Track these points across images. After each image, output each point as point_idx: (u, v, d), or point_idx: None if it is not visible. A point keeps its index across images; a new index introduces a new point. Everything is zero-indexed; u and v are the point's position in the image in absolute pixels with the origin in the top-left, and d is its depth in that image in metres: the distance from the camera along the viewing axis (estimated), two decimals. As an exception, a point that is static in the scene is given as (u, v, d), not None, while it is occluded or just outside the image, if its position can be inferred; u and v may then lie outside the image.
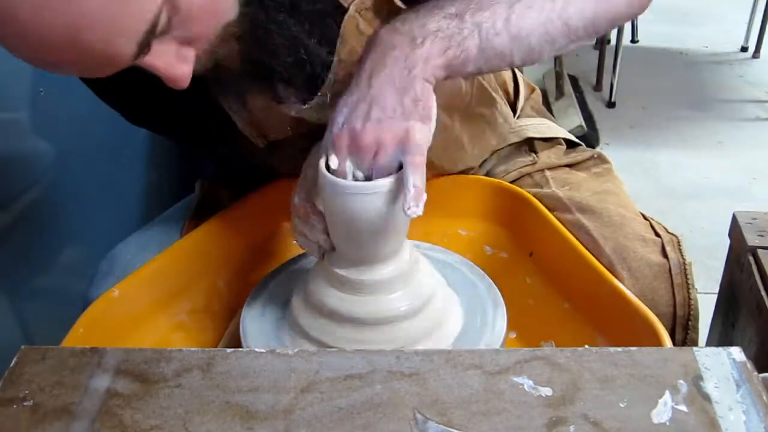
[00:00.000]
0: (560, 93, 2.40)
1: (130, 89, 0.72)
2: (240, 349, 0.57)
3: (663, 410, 0.50)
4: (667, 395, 0.50)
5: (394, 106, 0.60)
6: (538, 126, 0.98)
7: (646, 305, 0.69)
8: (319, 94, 0.72)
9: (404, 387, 0.52)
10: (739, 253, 0.87)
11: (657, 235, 0.80)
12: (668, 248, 0.78)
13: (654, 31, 3.01)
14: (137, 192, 1.30)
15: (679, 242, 0.79)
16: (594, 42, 2.85)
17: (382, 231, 0.65)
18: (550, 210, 0.84)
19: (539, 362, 0.54)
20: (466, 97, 0.86)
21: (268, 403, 0.51)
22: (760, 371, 0.52)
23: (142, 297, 0.78)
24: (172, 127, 0.86)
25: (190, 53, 0.60)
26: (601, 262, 0.76)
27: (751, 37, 2.87)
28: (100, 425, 0.50)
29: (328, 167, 0.63)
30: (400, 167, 0.63)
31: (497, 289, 0.76)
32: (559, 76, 2.41)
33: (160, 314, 0.80)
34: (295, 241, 0.74)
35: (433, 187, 0.89)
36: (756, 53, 2.87)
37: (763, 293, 0.78)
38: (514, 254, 0.88)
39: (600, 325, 0.75)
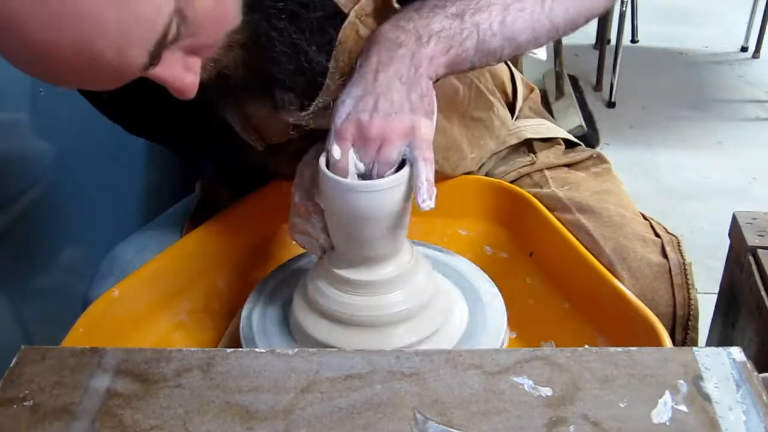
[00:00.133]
0: (560, 93, 2.40)
1: (128, 100, 0.72)
2: (240, 349, 0.57)
3: (663, 410, 0.50)
4: (667, 395, 0.51)
5: (402, 101, 0.62)
6: (537, 126, 0.98)
7: (646, 305, 0.69)
8: (317, 100, 0.72)
9: (404, 387, 0.52)
10: (739, 253, 0.87)
11: (657, 235, 0.80)
12: (668, 248, 0.78)
13: (654, 31, 3.01)
14: (137, 192, 1.30)
15: (679, 242, 0.79)
16: (594, 42, 2.86)
17: (383, 229, 0.65)
18: (549, 210, 0.85)
19: (539, 362, 0.54)
20: (463, 101, 0.87)
21: (268, 403, 0.51)
22: (760, 371, 0.52)
23: (142, 297, 0.78)
24: (171, 135, 0.86)
25: (196, 63, 0.60)
26: (601, 262, 0.76)
27: (751, 37, 2.87)
28: (100, 425, 0.50)
29: (328, 165, 0.63)
30: (400, 166, 0.63)
31: (497, 290, 0.76)
32: (559, 76, 2.41)
33: (160, 314, 0.80)
34: (294, 242, 0.74)
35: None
36: (756, 53, 2.87)
37: (763, 293, 0.78)
38: (514, 254, 0.88)
39: (600, 325, 0.75)
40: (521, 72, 1.16)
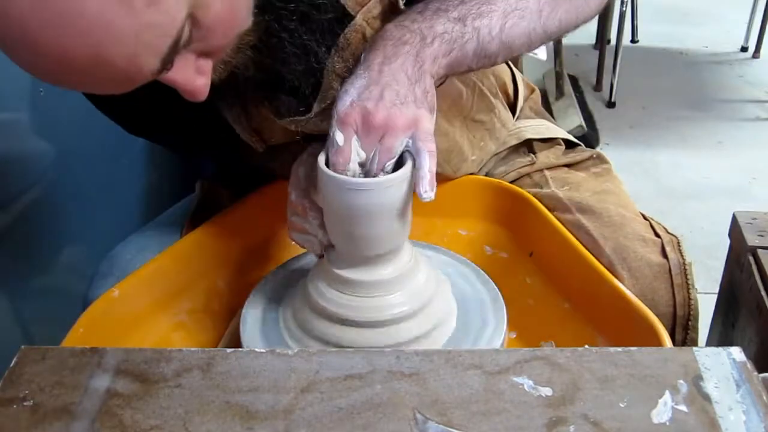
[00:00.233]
0: (560, 93, 2.40)
1: (130, 101, 0.72)
2: (240, 349, 0.57)
3: (663, 410, 0.50)
4: (667, 395, 0.51)
5: (406, 93, 0.63)
6: (537, 127, 0.98)
7: (646, 305, 0.69)
8: (318, 97, 0.72)
9: (404, 387, 0.52)
10: (739, 253, 0.87)
11: (657, 235, 0.80)
12: (668, 248, 0.78)
13: (654, 31, 3.01)
14: (137, 192, 1.30)
15: (679, 242, 0.79)
16: (594, 42, 2.86)
17: (382, 228, 0.65)
18: (549, 210, 0.84)
19: (539, 362, 0.54)
20: (467, 104, 0.87)
21: (268, 403, 0.51)
22: (760, 371, 0.52)
23: (142, 297, 0.78)
24: (171, 136, 0.86)
25: (208, 65, 0.60)
26: (601, 262, 0.76)
27: (751, 37, 2.87)
28: (100, 425, 0.50)
29: (327, 164, 0.63)
30: (398, 165, 0.63)
31: (497, 289, 0.76)
32: (559, 76, 2.41)
33: (160, 314, 0.80)
34: (292, 242, 0.74)
35: (433, 188, 0.90)
36: (756, 53, 2.87)
37: (763, 293, 0.78)
38: (514, 254, 0.88)
39: (600, 325, 0.75)
40: (521, 72, 1.16)
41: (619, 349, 0.55)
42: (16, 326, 1.02)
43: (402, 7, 0.70)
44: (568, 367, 0.53)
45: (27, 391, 0.52)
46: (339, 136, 0.62)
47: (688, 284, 0.76)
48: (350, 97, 0.63)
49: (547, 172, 0.92)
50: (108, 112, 0.81)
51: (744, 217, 0.88)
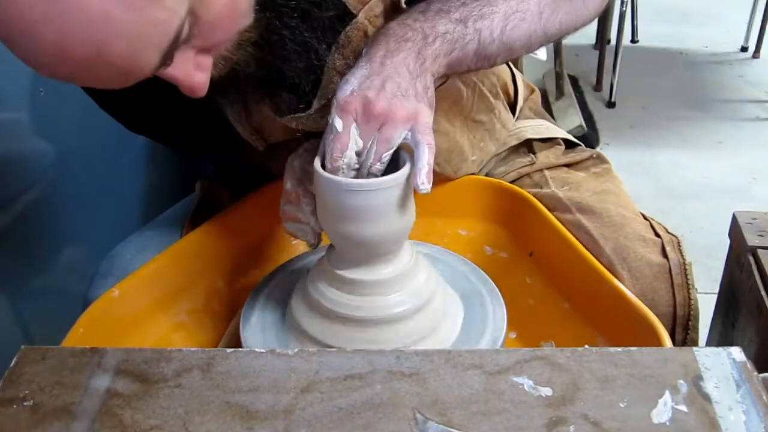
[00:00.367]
0: (560, 93, 2.40)
1: (130, 98, 0.72)
2: (240, 349, 0.57)
3: (663, 410, 0.50)
4: (667, 395, 0.50)
5: (408, 86, 0.63)
6: (537, 127, 0.98)
7: (646, 305, 0.69)
8: (318, 94, 0.72)
9: (404, 387, 0.52)
10: (739, 253, 0.87)
11: (657, 235, 0.80)
12: (668, 248, 0.78)
13: (654, 31, 3.01)
14: (137, 192, 1.30)
15: (679, 242, 0.79)
16: (594, 42, 2.86)
17: (379, 229, 0.65)
18: (549, 210, 0.84)
19: (539, 362, 0.54)
20: (467, 104, 0.87)
21: (268, 403, 0.51)
22: (760, 371, 0.52)
23: (142, 297, 0.78)
24: (172, 134, 0.86)
25: (208, 61, 0.60)
26: (601, 262, 0.76)
27: (751, 37, 2.87)
28: (100, 425, 0.50)
29: (323, 165, 0.64)
30: (395, 166, 0.63)
31: (497, 289, 0.76)
32: (559, 76, 2.41)
33: (160, 314, 0.80)
34: (287, 232, 0.74)
35: (434, 188, 0.90)
36: (756, 53, 2.87)
37: (763, 293, 0.78)
38: (514, 254, 0.88)
39: (600, 325, 0.75)
40: (521, 72, 1.16)
41: (619, 349, 0.55)
42: (16, 326, 1.02)
43: (403, 6, 0.70)
44: (568, 367, 0.53)
45: (27, 391, 0.52)
46: (338, 123, 0.62)
47: (688, 284, 0.76)
48: (351, 86, 0.63)
49: (547, 172, 0.92)
50: (109, 109, 0.81)
51: (744, 217, 0.88)
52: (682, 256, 0.78)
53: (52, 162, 1.06)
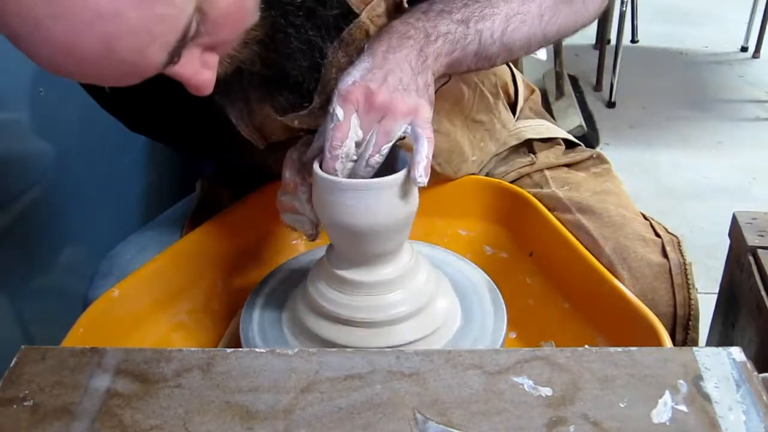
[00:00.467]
0: (560, 93, 2.40)
1: (133, 98, 0.72)
2: (240, 349, 0.57)
3: (663, 410, 0.50)
4: (667, 395, 0.50)
5: (409, 81, 0.64)
6: (537, 127, 0.98)
7: (647, 305, 0.69)
8: (318, 88, 0.72)
9: (404, 387, 0.52)
10: (739, 253, 0.87)
11: (657, 235, 0.80)
12: (668, 248, 0.78)
13: (654, 31, 3.01)
14: (137, 192, 1.30)
15: (679, 242, 0.80)
16: (594, 42, 2.86)
17: (379, 230, 0.65)
18: (549, 210, 0.84)
19: (539, 362, 0.54)
20: (468, 104, 0.87)
21: (268, 403, 0.51)
22: (760, 371, 0.52)
23: (142, 297, 0.78)
24: (172, 132, 0.86)
25: (213, 59, 0.60)
26: (601, 262, 0.76)
27: (751, 37, 2.87)
28: (100, 425, 0.50)
29: (321, 165, 0.64)
30: (392, 167, 0.63)
31: (497, 289, 0.76)
32: (559, 76, 2.41)
33: (160, 314, 0.80)
34: (285, 225, 0.74)
35: (434, 188, 0.91)
36: (756, 53, 2.87)
37: (763, 293, 0.78)
38: (514, 254, 0.88)
39: (600, 325, 0.75)
40: (521, 72, 1.16)
41: (619, 349, 0.55)
42: (16, 326, 1.02)
43: (406, 5, 0.71)
44: (568, 367, 0.53)
45: (27, 391, 0.52)
46: (339, 111, 0.63)
47: (688, 284, 0.76)
48: (353, 78, 0.64)
49: (547, 172, 0.93)
50: (110, 108, 0.81)
51: (744, 217, 0.88)
52: (682, 256, 0.78)
53: (52, 162, 1.06)
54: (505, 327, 0.71)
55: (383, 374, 0.53)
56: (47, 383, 0.53)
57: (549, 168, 0.93)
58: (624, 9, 2.48)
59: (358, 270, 0.68)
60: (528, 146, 0.97)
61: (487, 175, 0.96)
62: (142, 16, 0.50)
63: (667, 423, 0.49)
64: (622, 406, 0.50)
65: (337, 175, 0.63)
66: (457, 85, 0.85)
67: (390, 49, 0.65)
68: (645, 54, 2.88)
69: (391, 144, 0.63)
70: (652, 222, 0.83)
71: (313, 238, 0.73)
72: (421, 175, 0.61)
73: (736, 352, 0.54)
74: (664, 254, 0.78)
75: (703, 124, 2.42)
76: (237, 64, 0.64)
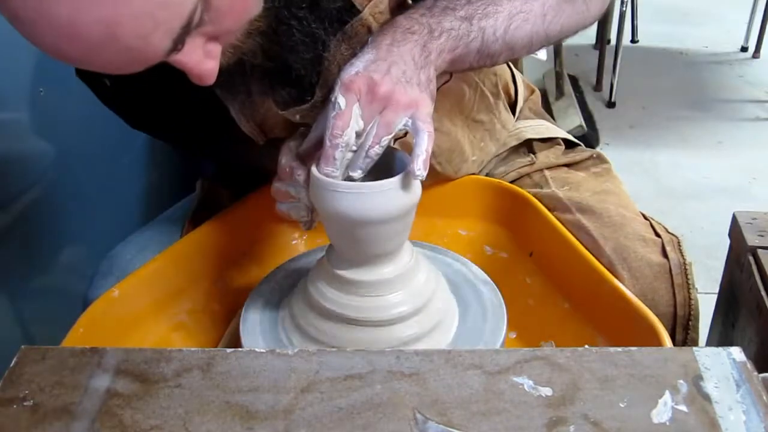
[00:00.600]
0: (560, 93, 2.40)
1: (134, 92, 0.72)
2: (240, 349, 0.57)
3: (663, 410, 0.50)
4: (667, 395, 0.50)
5: (412, 75, 0.64)
6: (537, 127, 0.98)
7: (647, 305, 0.69)
8: (319, 82, 0.72)
9: (404, 387, 0.52)
10: (739, 253, 0.87)
11: (657, 235, 0.80)
12: (668, 248, 0.78)
13: (654, 31, 3.01)
14: (137, 192, 1.30)
15: (679, 242, 0.80)
16: (594, 42, 2.86)
17: (378, 231, 0.65)
18: (549, 210, 0.84)
19: (539, 362, 0.54)
20: (469, 104, 0.88)
21: (268, 403, 0.51)
22: (760, 371, 0.52)
23: (142, 297, 0.78)
24: (173, 127, 0.86)
25: (217, 49, 0.60)
26: (601, 262, 0.76)
27: (751, 37, 2.87)
28: (100, 425, 0.50)
29: (318, 165, 0.64)
30: (389, 169, 0.63)
31: (497, 289, 0.76)
32: (559, 76, 2.41)
33: (160, 314, 0.80)
34: (280, 213, 0.73)
35: (434, 187, 0.91)
36: (756, 53, 2.87)
37: (763, 293, 0.78)
38: (514, 254, 0.88)
39: (600, 325, 0.75)
40: (521, 72, 1.17)
41: (619, 349, 0.55)
42: (16, 326, 1.02)
43: (410, 1, 0.71)
44: (568, 367, 0.53)
45: (27, 391, 0.52)
46: (341, 100, 0.63)
47: (688, 284, 0.76)
48: (356, 68, 0.64)
49: (547, 172, 0.93)
50: (111, 104, 0.81)
51: (744, 217, 0.88)
52: (682, 256, 0.78)
53: (52, 162, 1.06)
54: (505, 327, 0.71)
55: (383, 374, 0.53)
56: (47, 383, 0.53)
57: (549, 168, 0.93)
58: (624, 9, 2.48)
59: (358, 270, 0.68)
60: (528, 146, 0.97)
61: (487, 175, 0.96)
62: (148, 2, 0.51)
63: (667, 423, 0.49)
64: (622, 406, 0.50)
65: (336, 165, 0.63)
66: (458, 85, 0.85)
67: (394, 43, 0.65)
68: (645, 54, 2.88)
69: (391, 136, 0.63)
70: (652, 222, 0.83)
71: (308, 225, 0.72)
72: (420, 168, 0.61)
73: (736, 352, 0.54)
74: (664, 254, 0.78)
75: (703, 124, 2.42)
76: (239, 55, 0.65)
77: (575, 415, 0.49)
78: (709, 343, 0.98)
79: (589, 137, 2.21)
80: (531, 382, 0.52)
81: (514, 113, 0.98)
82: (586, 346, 0.57)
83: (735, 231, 0.88)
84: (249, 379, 0.53)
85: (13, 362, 0.55)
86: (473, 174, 0.93)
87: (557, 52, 2.37)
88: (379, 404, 0.51)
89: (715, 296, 0.96)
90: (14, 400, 0.52)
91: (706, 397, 0.50)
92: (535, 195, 0.88)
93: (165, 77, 0.59)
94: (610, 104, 2.53)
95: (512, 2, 0.70)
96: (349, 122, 0.62)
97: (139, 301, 0.77)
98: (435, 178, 0.89)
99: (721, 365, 0.53)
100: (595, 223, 0.81)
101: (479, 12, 0.69)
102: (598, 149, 1.02)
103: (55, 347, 0.57)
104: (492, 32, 0.69)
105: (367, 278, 0.68)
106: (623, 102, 2.53)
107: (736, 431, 0.48)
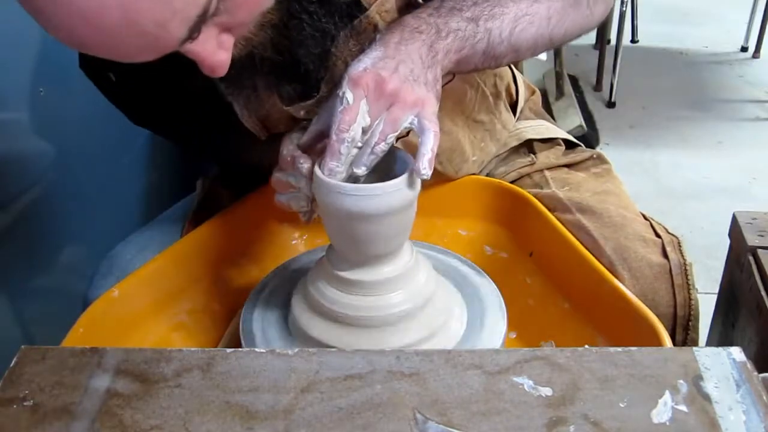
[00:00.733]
0: (560, 93, 2.40)
1: (138, 88, 0.72)
2: (240, 349, 0.57)
3: (663, 410, 0.50)
4: (667, 395, 0.50)
5: (419, 73, 0.64)
6: (537, 127, 0.98)
7: (647, 306, 0.69)
8: (324, 78, 0.73)
9: (404, 387, 0.52)
10: (739, 253, 0.87)
11: (657, 235, 0.80)
12: (669, 249, 0.78)
13: (654, 31, 3.01)
14: (137, 192, 1.30)
15: (679, 243, 0.80)
16: (594, 42, 2.86)
17: (379, 232, 0.65)
18: (550, 210, 0.84)
19: (539, 362, 0.54)
20: (470, 104, 0.88)
21: (268, 403, 0.51)
22: (760, 371, 0.52)
23: (142, 297, 0.78)
24: (174, 125, 0.86)
25: (230, 40, 0.60)
26: (601, 263, 0.76)
27: (751, 37, 2.87)
28: (100, 425, 0.50)
29: (320, 166, 0.64)
30: (390, 170, 0.63)
31: (497, 290, 0.76)
32: (559, 76, 2.41)
33: (160, 314, 0.80)
34: (279, 205, 0.73)
35: (434, 187, 0.91)
36: (756, 53, 2.87)
37: (763, 293, 0.78)
38: (514, 254, 0.88)
39: (600, 325, 0.75)
40: (521, 72, 1.17)
41: (619, 349, 0.55)
42: (16, 326, 1.02)
43: (420, 0, 0.71)
44: (568, 367, 0.53)
45: (27, 391, 0.52)
46: (349, 95, 0.62)
47: (688, 285, 0.76)
48: (364, 65, 0.64)
49: (547, 173, 0.93)
50: (114, 98, 0.81)
51: (744, 217, 0.88)
52: (682, 256, 0.78)
53: (52, 162, 1.06)
54: (505, 327, 0.71)
55: (383, 374, 0.53)
56: (47, 383, 0.53)
57: (549, 168, 0.93)
58: (624, 9, 2.48)
59: (359, 270, 0.68)
60: (528, 146, 0.97)
61: (487, 175, 0.96)
62: None
63: (667, 423, 0.49)
64: (622, 406, 0.50)
65: (341, 160, 0.63)
66: (459, 85, 0.85)
67: (402, 41, 0.65)
68: (645, 54, 2.88)
69: (397, 133, 0.63)
70: (653, 222, 0.83)
71: (308, 216, 0.72)
72: (425, 168, 0.61)
73: (736, 352, 0.53)
74: (665, 254, 0.78)
75: (703, 124, 2.42)
76: (250, 47, 0.65)
77: (575, 415, 0.49)
78: (709, 343, 0.98)
79: (589, 137, 2.21)
80: (531, 382, 0.52)
81: (514, 113, 0.98)
82: (586, 346, 0.57)
83: (735, 231, 0.88)
84: (249, 379, 0.53)
85: (13, 362, 0.55)
86: (473, 174, 0.93)
87: (557, 52, 2.37)
88: (379, 404, 0.51)
89: (715, 296, 0.96)
90: (14, 400, 0.52)
91: (706, 397, 0.50)
92: (535, 195, 0.88)
93: (170, 72, 0.59)
94: (610, 104, 2.53)
95: (518, 5, 0.71)
96: (357, 117, 0.62)
97: (139, 301, 0.77)
98: (435, 178, 0.88)
99: (721, 365, 0.53)
100: (595, 223, 0.81)
101: (486, 13, 0.69)
102: (598, 149, 1.02)
103: (55, 347, 0.57)
104: (498, 34, 0.69)
105: (367, 278, 0.68)
106: (623, 102, 2.53)
107: (736, 431, 0.48)
